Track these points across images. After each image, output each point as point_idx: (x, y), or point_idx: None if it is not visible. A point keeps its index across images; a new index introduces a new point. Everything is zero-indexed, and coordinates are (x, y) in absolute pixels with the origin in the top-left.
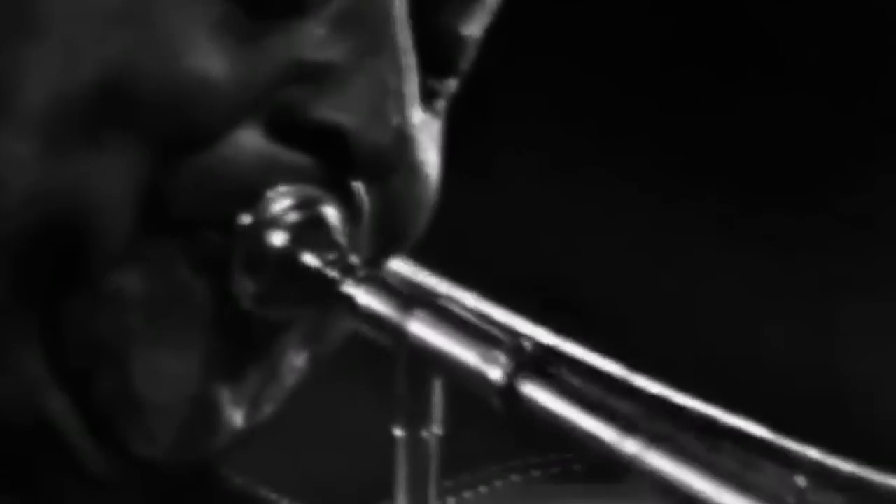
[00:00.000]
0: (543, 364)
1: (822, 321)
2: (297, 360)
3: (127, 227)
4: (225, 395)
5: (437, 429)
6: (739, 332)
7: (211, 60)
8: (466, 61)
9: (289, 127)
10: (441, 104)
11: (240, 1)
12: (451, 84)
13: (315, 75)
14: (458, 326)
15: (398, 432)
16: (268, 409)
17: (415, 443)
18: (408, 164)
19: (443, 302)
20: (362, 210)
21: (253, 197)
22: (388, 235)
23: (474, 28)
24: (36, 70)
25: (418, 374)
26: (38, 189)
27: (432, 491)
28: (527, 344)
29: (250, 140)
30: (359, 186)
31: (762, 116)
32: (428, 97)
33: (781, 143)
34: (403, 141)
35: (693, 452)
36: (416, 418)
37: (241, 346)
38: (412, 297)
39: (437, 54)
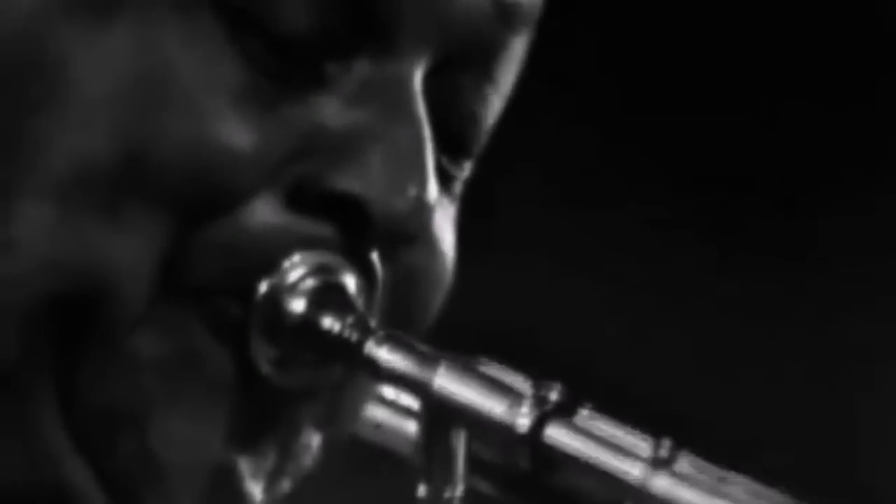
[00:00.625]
0: (568, 410)
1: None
2: (313, 439)
3: (143, 294)
4: (244, 466)
5: (461, 487)
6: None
7: (233, 129)
8: (480, 143)
9: (307, 197)
10: (457, 187)
11: (262, 70)
12: (466, 167)
13: (333, 145)
14: (483, 380)
15: (420, 491)
16: (285, 487)
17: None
18: (425, 238)
19: (465, 359)
20: (377, 281)
21: (270, 266)
22: (402, 311)
23: (488, 110)
24: (57, 137)
25: (439, 434)
26: (53, 255)
27: None
28: (550, 393)
29: (269, 210)
30: (375, 258)
31: None
32: (444, 181)
33: None
34: (421, 211)
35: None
36: (439, 478)
37: (259, 416)
38: (434, 354)
39: (451, 135)
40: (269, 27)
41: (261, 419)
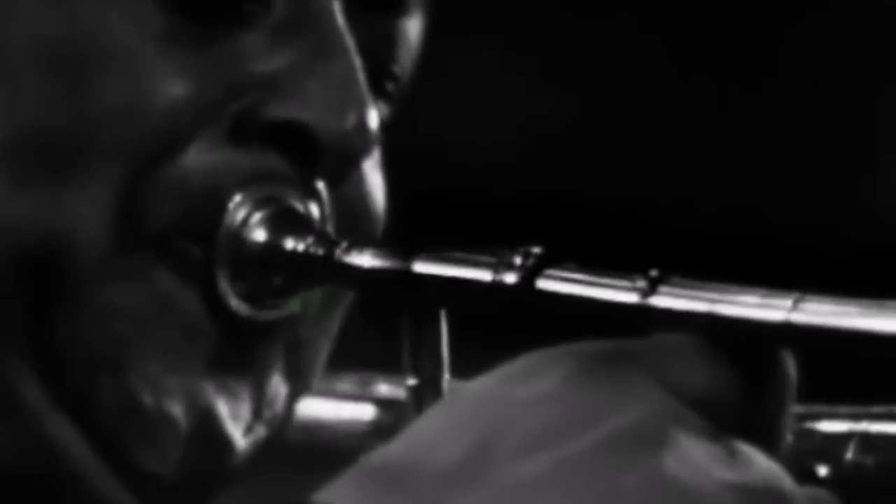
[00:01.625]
0: (548, 265)
1: None
2: (284, 385)
3: (103, 245)
4: (224, 409)
5: (447, 373)
6: None
7: (165, 75)
8: (403, 66)
9: (251, 129)
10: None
11: (184, 13)
12: (381, 108)
13: (268, 80)
14: (460, 259)
15: (410, 381)
16: (261, 433)
17: (428, 389)
18: (364, 167)
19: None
20: (326, 203)
21: (223, 201)
22: (352, 230)
23: (408, 36)
24: None
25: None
26: (6, 219)
27: None
28: (531, 254)
29: (213, 147)
30: (322, 182)
31: None
32: None
33: None
34: (365, 131)
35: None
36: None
37: (234, 357)
38: (406, 248)
39: (375, 67)
40: None
41: (236, 360)
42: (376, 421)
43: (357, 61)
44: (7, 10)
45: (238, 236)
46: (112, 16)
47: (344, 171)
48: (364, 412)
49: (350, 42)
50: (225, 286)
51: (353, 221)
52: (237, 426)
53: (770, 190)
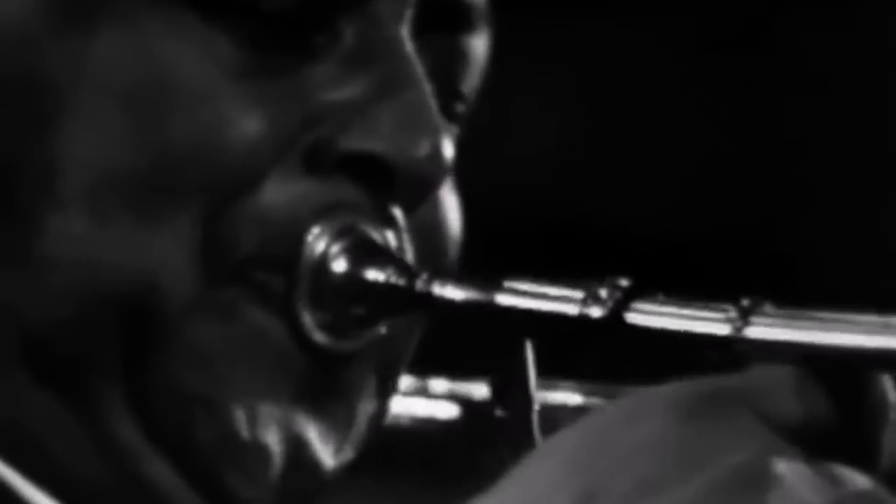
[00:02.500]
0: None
1: None
2: (370, 404)
3: (189, 281)
4: (315, 434)
5: (535, 403)
6: None
7: (239, 110)
8: (471, 85)
9: (325, 161)
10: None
11: (253, 48)
12: (451, 130)
13: (339, 112)
14: (545, 291)
15: (497, 412)
16: (349, 454)
17: (515, 421)
18: (439, 201)
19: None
20: (404, 233)
21: (301, 233)
22: (430, 259)
23: (475, 56)
24: (71, 153)
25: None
26: (93, 264)
27: None
28: (617, 284)
29: (288, 181)
30: (398, 211)
31: None
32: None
33: None
34: (439, 159)
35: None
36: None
37: (322, 384)
38: (488, 280)
39: (444, 89)
40: (254, 6)
41: (324, 386)
42: (466, 423)
43: (427, 88)
44: (84, 49)
45: (318, 268)
46: (186, 53)
47: (419, 199)
48: (452, 412)
49: (419, 69)
50: (307, 318)
51: (431, 247)
52: (328, 449)
53: (795, 204)
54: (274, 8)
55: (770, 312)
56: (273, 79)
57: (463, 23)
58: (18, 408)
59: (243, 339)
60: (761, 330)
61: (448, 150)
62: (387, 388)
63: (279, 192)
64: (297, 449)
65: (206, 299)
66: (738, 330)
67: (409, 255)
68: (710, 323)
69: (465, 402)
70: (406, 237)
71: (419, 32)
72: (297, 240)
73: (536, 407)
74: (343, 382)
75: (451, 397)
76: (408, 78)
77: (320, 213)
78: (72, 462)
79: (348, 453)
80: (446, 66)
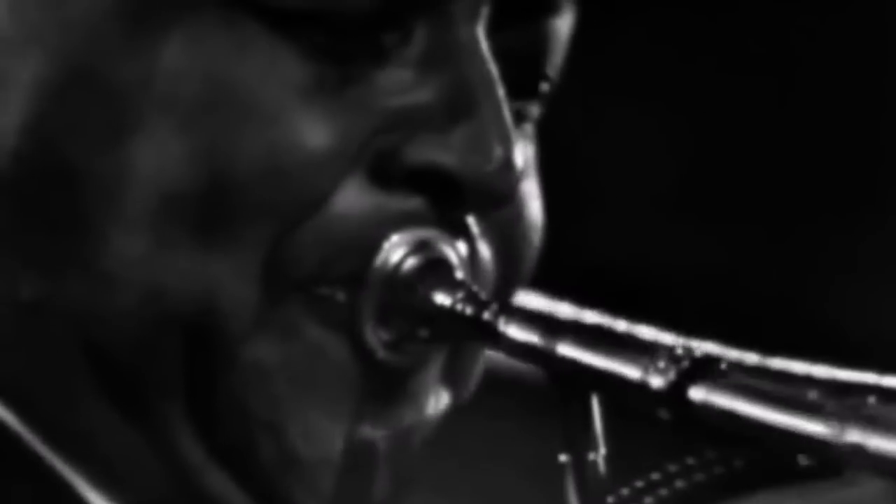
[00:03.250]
0: (707, 368)
1: None
2: (433, 411)
3: (251, 301)
4: (381, 444)
5: (602, 448)
6: None
7: (307, 126)
8: (555, 66)
9: (393, 173)
10: (529, 129)
11: (320, 57)
12: (535, 109)
13: (408, 119)
14: (610, 344)
15: (563, 458)
16: (416, 453)
17: (582, 467)
18: (518, 195)
19: (587, 322)
20: (477, 247)
21: (370, 249)
22: (505, 271)
23: (554, 46)
24: (136, 168)
25: (574, 398)
26: (154, 284)
27: None
28: (683, 351)
29: (357, 194)
30: (471, 224)
31: None
32: (516, 121)
33: None
34: (509, 171)
35: None
36: (580, 442)
37: (385, 393)
38: (555, 322)
39: (519, 84)
40: (323, 16)
41: (388, 397)
42: None
43: (502, 94)
44: (152, 60)
45: (387, 283)
46: (252, 70)
47: (491, 207)
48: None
49: (494, 73)
50: (370, 336)
51: (508, 250)
52: (392, 455)
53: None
54: (350, 12)
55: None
56: (341, 89)
57: (547, 8)
58: (79, 417)
59: (304, 357)
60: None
61: (519, 161)
62: (454, 392)
63: (346, 207)
64: (362, 459)
65: (266, 319)
66: (840, 432)
67: (483, 265)
68: (804, 418)
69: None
70: (480, 246)
71: (501, 17)
72: (366, 253)
73: (602, 451)
74: (407, 390)
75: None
76: (481, 86)
77: (390, 228)
78: (131, 474)
79: (413, 456)
80: (530, 48)
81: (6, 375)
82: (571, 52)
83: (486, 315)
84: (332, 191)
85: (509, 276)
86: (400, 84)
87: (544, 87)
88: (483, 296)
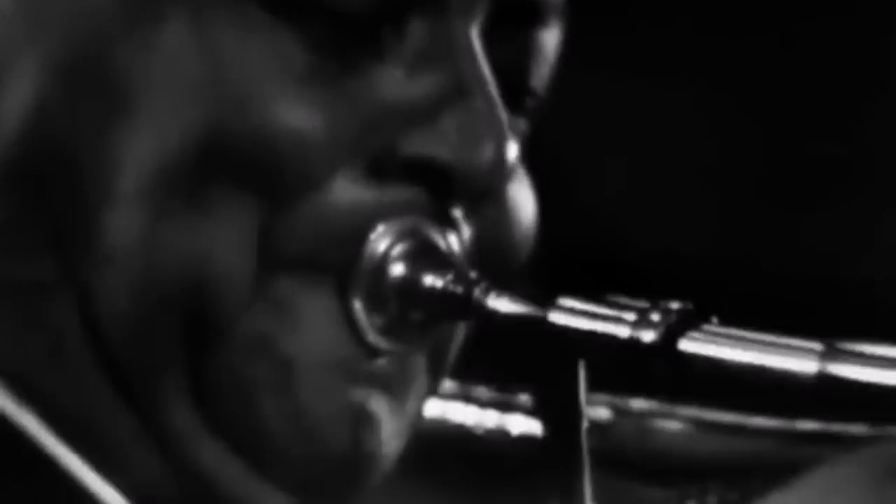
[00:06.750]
0: (693, 323)
1: None
2: (421, 390)
3: (245, 273)
4: (382, 409)
5: (586, 420)
6: None
7: (301, 111)
8: (541, 79)
9: (388, 165)
10: (521, 125)
11: (318, 48)
12: (521, 124)
13: (404, 113)
14: (598, 312)
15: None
16: (400, 443)
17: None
18: (507, 193)
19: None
20: (465, 238)
21: (361, 235)
22: (491, 264)
23: (545, 56)
24: (131, 147)
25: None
26: (150, 260)
27: (587, 485)
28: (666, 308)
29: (352, 183)
30: (460, 216)
31: None
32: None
33: None
34: (502, 166)
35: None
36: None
37: (377, 376)
38: (543, 297)
39: (512, 88)
40: (323, 7)
41: (380, 380)
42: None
43: (495, 90)
44: (152, 41)
45: (376, 270)
46: (251, 51)
47: (481, 202)
48: (494, 420)
49: (487, 71)
50: (363, 319)
51: (497, 246)
52: (383, 440)
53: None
54: (349, 5)
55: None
56: (338, 80)
57: (536, 17)
58: (79, 399)
59: (301, 330)
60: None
61: (512, 153)
62: (433, 384)
63: (341, 195)
64: (365, 425)
65: (260, 293)
66: (824, 363)
67: (471, 256)
68: (793, 357)
69: (507, 410)
70: (468, 237)
71: (490, 27)
72: (357, 240)
73: (586, 423)
74: (397, 374)
75: (494, 405)
76: (475, 81)
77: (382, 215)
78: (128, 455)
79: (398, 445)
80: (517, 61)
81: (9, 358)
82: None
83: (477, 292)
84: (325, 177)
85: (499, 266)
86: (396, 79)
87: (529, 101)
88: (473, 274)
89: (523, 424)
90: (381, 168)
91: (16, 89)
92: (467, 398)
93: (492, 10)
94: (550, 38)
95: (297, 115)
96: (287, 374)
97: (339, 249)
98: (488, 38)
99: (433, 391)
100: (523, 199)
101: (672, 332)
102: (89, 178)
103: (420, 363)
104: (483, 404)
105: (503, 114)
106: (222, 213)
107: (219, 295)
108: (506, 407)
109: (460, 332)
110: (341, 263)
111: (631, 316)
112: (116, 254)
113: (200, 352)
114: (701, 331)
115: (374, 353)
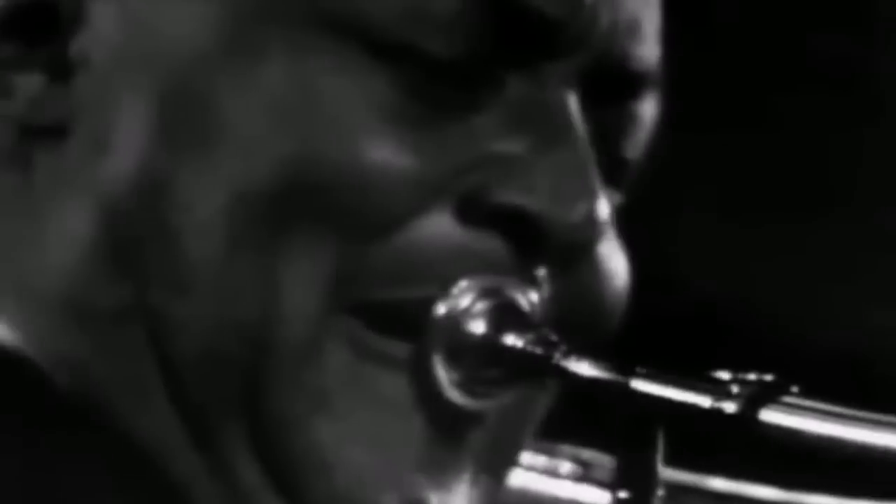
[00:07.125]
0: (775, 395)
1: None
2: (496, 459)
3: (313, 310)
4: (434, 500)
5: (661, 489)
6: None
7: (390, 149)
8: (635, 151)
9: (476, 211)
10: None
11: (414, 93)
12: (614, 196)
13: (497, 164)
14: (679, 380)
15: (620, 494)
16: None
17: None
18: (597, 255)
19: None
20: (549, 297)
21: (445, 282)
22: (579, 329)
23: (640, 136)
24: (216, 175)
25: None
26: (224, 288)
27: None
28: (751, 380)
29: (440, 225)
30: (545, 274)
31: None
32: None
33: None
34: (593, 224)
35: None
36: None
37: (442, 440)
38: (623, 363)
39: (606, 162)
40: (420, 53)
41: (445, 445)
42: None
43: (588, 150)
44: (250, 73)
45: (458, 323)
46: (345, 90)
47: (571, 262)
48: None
49: (582, 131)
50: (440, 372)
51: (585, 311)
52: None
53: None
54: (441, 54)
55: None
56: (431, 123)
57: (632, 90)
58: (150, 432)
59: (362, 388)
60: None
61: (604, 213)
62: (511, 451)
63: (426, 236)
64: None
65: (333, 329)
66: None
67: (553, 318)
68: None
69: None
70: (551, 300)
71: (586, 99)
72: (438, 288)
73: (661, 492)
74: (464, 441)
75: (576, 476)
76: (569, 139)
77: (466, 266)
78: (189, 496)
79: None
80: (612, 134)
81: (86, 386)
82: None
83: (557, 355)
84: (409, 217)
85: (585, 329)
86: (490, 129)
87: (622, 173)
88: (553, 337)
89: (596, 496)
90: (469, 212)
91: (127, 116)
92: (545, 469)
93: (589, 80)
94: (647, 109)
95: (384, 153)
96: (338, 438)
97: (417, 292)
98: (585, 107)
99: (510, 460)
100: (615, 263)
101: (753, 402)
102: (174, 204)
103: (495, 430)
104: (561, 476)
105: (596, 172)
106: (299, 247)
107: (281, 335)
108: (581, 478)
109: (540, 402)
110: (420, 308)
111: (711, 385)
112: (193, 281)
113: (261, 393)
114: (782, 402)
115: (447, 409)
